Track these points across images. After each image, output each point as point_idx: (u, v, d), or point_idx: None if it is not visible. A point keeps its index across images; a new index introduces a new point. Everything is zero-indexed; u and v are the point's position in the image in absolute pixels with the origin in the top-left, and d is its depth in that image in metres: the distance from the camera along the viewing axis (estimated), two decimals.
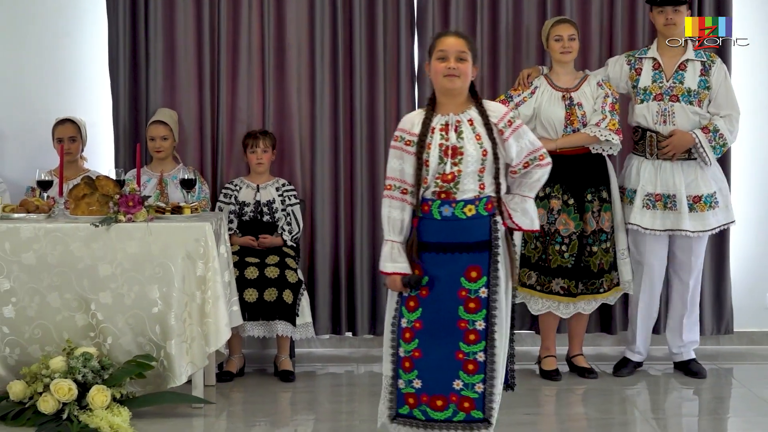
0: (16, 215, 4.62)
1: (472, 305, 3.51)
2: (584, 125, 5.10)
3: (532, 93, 5.17)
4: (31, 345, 4.51)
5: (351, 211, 5.64)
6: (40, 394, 4.34)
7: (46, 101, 5.63)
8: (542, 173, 3.61)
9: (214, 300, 4.54)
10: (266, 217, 5.39)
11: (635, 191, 5.14)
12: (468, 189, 3.51)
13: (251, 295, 5.08)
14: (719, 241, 5.61)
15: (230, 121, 5.62)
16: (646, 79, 5.14)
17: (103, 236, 4.49)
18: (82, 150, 5.52)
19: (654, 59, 5.16)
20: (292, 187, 5.50)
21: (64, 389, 4.30)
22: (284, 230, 5.36)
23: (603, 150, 5.13)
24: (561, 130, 5.10)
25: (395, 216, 3.53)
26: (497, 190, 3.54)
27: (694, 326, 5.31)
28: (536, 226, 3.66)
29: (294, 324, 5.13)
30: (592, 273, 5.11)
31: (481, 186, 3.52)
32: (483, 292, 3.51)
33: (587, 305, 5.19)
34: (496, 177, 3.53)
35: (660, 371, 5.33)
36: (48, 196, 4.87)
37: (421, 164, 3.50)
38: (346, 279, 5.66)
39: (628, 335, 5.35)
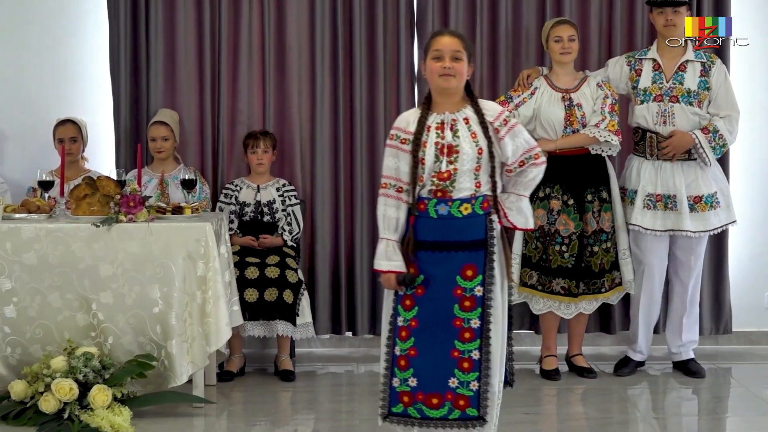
0: (17, 215, 4.63)
1: (467, 303, 3.51)
2: (584, 126, 5.11)
3: (532, 94, 5.18)
4: (32, 345, 4.52)
5: (351, 212, 5.66)
6: (42, 393, 4.36)
7: (47, 102, 5.65)
8: (537, 172, 3.62)
9: (215, 300, 4.55)
10: (266, 218, 5.40)
11: (636, 192, 5.15)
12: (464, 187, 3.52)
13: (252, 295, 5.09)
14: (718, 242, 5.62)
15: (231, 122, 5.63)
16: (646, 80, 5.15)
17: (104, 236, 4.51)
18: (83, 150, 5.53)
19: (654, 60, 5.17)
20: (292, 187, 5.51)
21: (65, 389, 4.32)
22: (284, 230, 5.38)
23: (602, 151, 5.14)
24: (560, 131, 5.12)
25: (390, 214, 3.54)
26: (493, 188, 3.55)
27: (694, 326, 5.32)
28: (531, 225, 3.67)
29: (294, 324, 5.14)
30: (593, 273, 5.12)
31: (477, 184, 3.53)
32: (478, 291, 3.52)
33: (588, 305, 5.20)
34: (492, 175, 3.54)
35: (659, 371, 5.34)
36: (49, 197, 4.88)
37: (417, 162, 3.50)
38: (346, 279, 5.67)
39: (630, 335, 5.36)
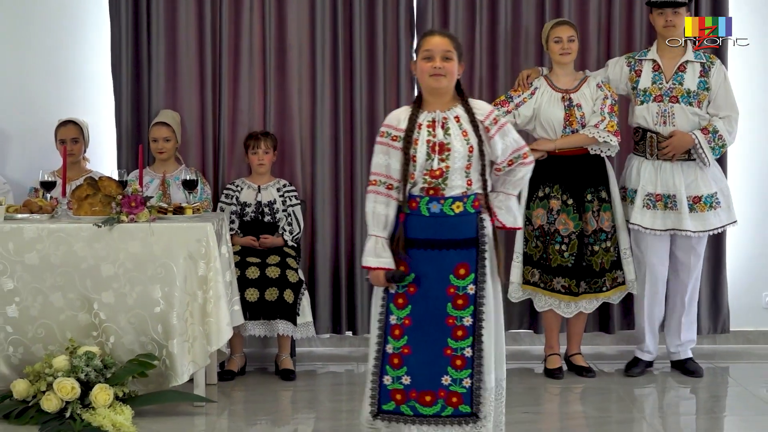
0: (19, 216, 4.64)
1: (460, 302, 3.53)
2: (583, 126, 5.13)
3: (532, 94, 5.20)
4: (34, 344, 4.53)
5: (351, 212, 5.68)
6: (44, 392, 4.37)
7: (49, 103, 5.66)
8: (526, 171, 3.65)
9: (216, 299, 4.56)
10: (267, 218, 5.42)
11: (636, 191, 5.16)
12: (456, 185, 3.53)
13: (252, 294, 5.11)
14: (716, 241, 5.63)
15: (232, 123, 5.65)
16: (645, 81, 5.16)
17: (105, 236, 4.52)
18: (85, 151, 5.54)
19: (653, 61, 5.18)
20: (293, 187, 5.53)
21: (67, 388, 4.33)
22: (285, 230, 5.40)
23: (601, 151, 5.15)
24: (560, 131, 5.13)
25: (380, 211, 3.55)
26: (484, 186, 3.57)
27: (692, 325, 5.33)
28: (519, 224, 3.70)
29: (295, 323, 5.16)
30: (594, 272, 5.13)
31: (469, 182, 3.55)
32: (471, 289, 3.53)
33: (588, 304, 5.20)
34: (483, 173, 3.56)
35: (657, 370, 5.34)
36: (51, 197, 4.90)
37: (408, 160, 3.51)
38: (347, 279, 5.69)
39: (637, 335, 5.35)
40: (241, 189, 5.46)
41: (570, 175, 5.12)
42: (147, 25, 5.58)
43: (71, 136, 5.44)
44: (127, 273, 4.52)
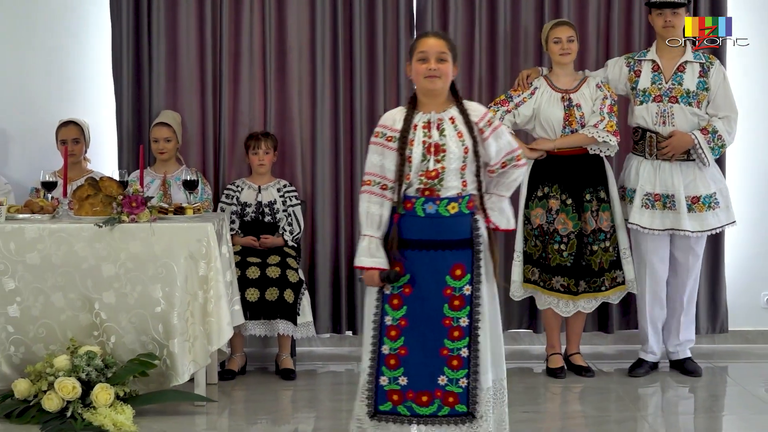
0: (20, 216, 4.65)
1: (456, 303, 3.54)
2: (582, 126, 5.14)
3: (532, 94, 5.21)
4: (35, 344, 4.54)
5: (351, 212, 5.68)
6: (45, 392, 4.38)
7: (50, 103, 5.67)
8: (519, 173, 3.66)
9: (216, 299, 4.57)
10: (267, 218, 5.44)
11: (635, 191, 5.17)
12: (451, 186, 3.54)
13: (253, 294, 5.12)
14: (714, 241, 5.64)
15: (232, 123, 5.66)
16: (645, 81, 5.17)
17: (106, 236, 4.53)
18: (86, 151, 5.55)
19: (653, 61, 5.18)
20: (293, 188, 5.54)
21: (68, 387, 4.34)
22: (285, 230, 5.41)
23: (600, 151, 5.17)
24: (559, 131, 5.15)
25: (374, 211, 3.54)
26: (479, 188, 3.58)
27: (690, 325, 5.34)
28: (512, 225, 3.71)
29: (295, 323, 5.17)
30: (593, 272, 5.14)
31: (464, 183, 3.56)
32: (467, 290, 3.54)
33: (587, 304, 5.21)
34: (477, 174, 3.57)
35: (661, 371, 5.35)
36: (52, 197, 4.90)
37: (403, 160, 3.51)
38: (347, 279, 5.70)
39: (640, 335, 5.34)
40: (242, 189, 5.48)
41: (569, 174, 5.14)
42: (148, 25, 5.59)
43: (72, 137, 5.45)
44: (128, 273, 4.53)
